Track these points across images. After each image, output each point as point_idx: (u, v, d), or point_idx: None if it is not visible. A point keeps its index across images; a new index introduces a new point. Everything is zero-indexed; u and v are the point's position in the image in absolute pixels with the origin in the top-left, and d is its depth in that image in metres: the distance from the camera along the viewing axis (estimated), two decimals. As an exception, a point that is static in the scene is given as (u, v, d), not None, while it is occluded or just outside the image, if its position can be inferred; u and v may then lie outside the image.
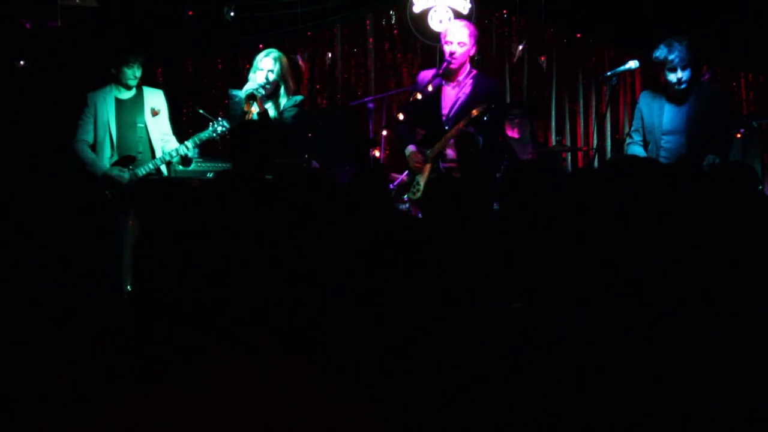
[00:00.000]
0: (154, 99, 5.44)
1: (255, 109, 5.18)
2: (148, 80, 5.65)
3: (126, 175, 5.23)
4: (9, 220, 2.43)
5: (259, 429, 1.66)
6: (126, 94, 5.39)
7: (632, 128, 5.26)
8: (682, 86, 4.93)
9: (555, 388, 2.04)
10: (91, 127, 5.33)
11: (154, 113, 5.36)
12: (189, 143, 5.24)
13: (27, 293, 2.03)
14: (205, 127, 5.33)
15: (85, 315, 1.95)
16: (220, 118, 5.32)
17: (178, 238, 2.14)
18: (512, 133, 6.66)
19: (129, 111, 5.37)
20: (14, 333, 1.90)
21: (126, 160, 5.29)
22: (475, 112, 5.00)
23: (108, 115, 5.32)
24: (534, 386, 2.05)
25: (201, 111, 5.65)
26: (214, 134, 5.25)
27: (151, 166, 5.29)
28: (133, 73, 5.31)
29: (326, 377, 1.79)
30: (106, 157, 5.31)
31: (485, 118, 5.03)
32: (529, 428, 1.97)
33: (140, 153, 5.32)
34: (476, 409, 1.96)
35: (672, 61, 4.88)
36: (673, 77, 4.91)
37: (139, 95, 5.41)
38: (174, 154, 5.24)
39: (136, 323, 1.89)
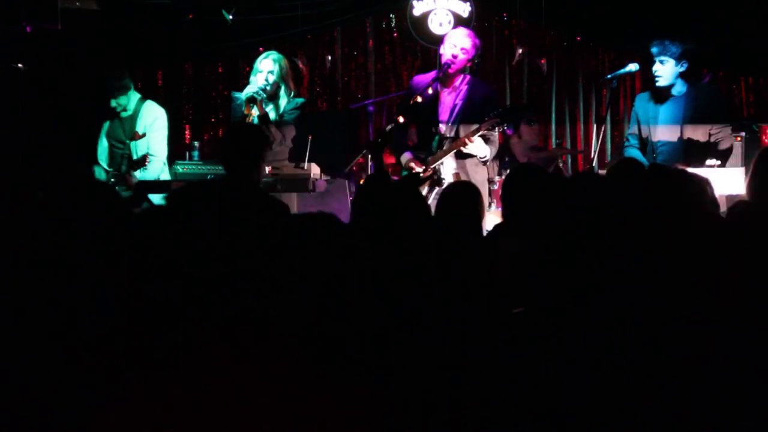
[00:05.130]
0: (146, 119, 5.44)
1: (255, 111, 5.18)
2: (149, 85, 5.68)
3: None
4: (8, 221, 2.43)
5: (258, 427, 1.66)
6: (125, 112, 5.46)
7: (629, 131, 5.26)
8: (657, 81, 4.94)
9: (557, 390, 2.04)
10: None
11: (137, 136, 5.36)
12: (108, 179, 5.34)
13: (27, 292, 2.03)
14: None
15: (84, 314, 1.95)
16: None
17: (176, 237, 2.14)
18: (526, 136, 6.63)
19: (121, 129, 5.44)
20: (13, 332, 1.90)
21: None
22: (486, 126, 4.98)
23: (104, 129, 5.50)
24: (535, 388, 2.05)
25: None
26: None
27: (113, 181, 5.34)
28: (118, 103, 5.39)
29: (327, 377, 1.79)
30: (101, 172, 5.44)
31: (501, 129, 5.06)
32: (530, 429, 1.97)
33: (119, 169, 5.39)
34: (477, 411, 1.96)
35: (652, 53, 4.91)
36: (652, 69, 4.94)
37: (135, 113, 5.44)
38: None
39: (135, 323, 1.89)
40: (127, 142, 5.38)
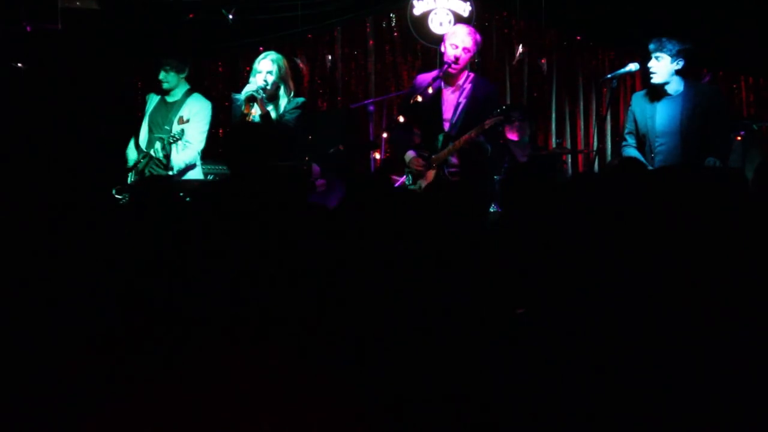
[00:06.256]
0: (192, 107, 5.51)
1: (255, 110, 5.19)
2: (150, 84, 5.70)
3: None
4: (10, 222, 2.43)
5: (258, 427, 1.66)
6: (171, 98, 5.54)
7: (626, 131, 5.24)
8: (651, 78, 4.94)
9: (555, 392, 2.04)
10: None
11: (181, 121, 5.45)
12: (158, 145, 5.34)
13: (29, 292, 2.03)
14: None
15: (86, 314, 1.95)
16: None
17: (177, 237, 2.14)
18: (511, 135, 6.67)
19: (165, 114, 5.51)
20: (15, 332, 1.90)
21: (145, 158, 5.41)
22: (489, 123, 4.99)
23: (148, 113, 5.55)
24: (534, 390, 2.05)
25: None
26: (171, 140, 5.31)
27: (153, 167, 5.35)
28: (165, 77, 5.46)
29: (327, 378, 1.79)
30: (140, 152, 5.49)
31: (500, 128, 5.07)
32: (530, 429, 1.97)
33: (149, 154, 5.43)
34: (478, 411, 1.96)
35: (649, 50, 4.92)
36: (648, 66, 4.95)
37: (181, 101, 5.52)
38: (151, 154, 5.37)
39: (136, 323, 1.89)
40: (167, 127, 5.41)
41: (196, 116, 5.48)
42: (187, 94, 5.54)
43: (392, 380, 1.90)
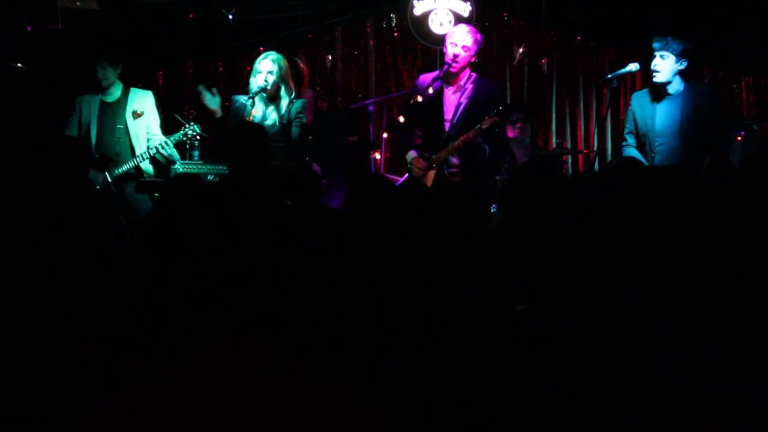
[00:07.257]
0: (139, 101, 5.47)
1: (256, 111, 5.22)
2: (149, 85, 5.67)
3: (99, 178, 5.30)
4: (10, 222, 2.43)
5: (258, 427, 1.66)
6: (110, 97, 5.46)
7: (626, 130, 5.24)
8: (654, 77, 4.93)
9: (556, 391, 2.04)
10: (75, 130, 5.45)
11: (136, 115, 5.40)
12: (159, 143, 5.26)
13: (30, 293, 2.03)
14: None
15: (87, 314, 1.95)
16: (192, 123, 5.29)
17: (178, 238, 2.14)
18: (512, 134, 6.67)
19: (111, 113, 5.43)
20: (15, 332, 1.90)
21: (102, 161, 5.34)
22: (485, 124, 5.00)
23: (90, 117, 5.44)
24: (535, 389, 2.05)
25: (176, 116, 5.64)
26: (184, 137, 5.25)
27: (127, 166, 5.31)
28: (103, 74, 5.37)
29: (327, 377, 1.79)
30: (102, 157, 5.40)
31: (496, 129, 5.08)
32: (530, 428, 1.97)
33: (117, 154, 5.36)
34: (478, 410, 1.96)
35: (653, 48, 4.91)
36: (652, 64, 4.93)
37: (124, 98, 5.45)
38: (146, 154, 5.29)
39: (137, 323, 1.90)
40: (120, 126, 5.35)
41: (147, 107, 5.45)
42: (126, 89, 5.48)
43: (393, 380, 1.90)
